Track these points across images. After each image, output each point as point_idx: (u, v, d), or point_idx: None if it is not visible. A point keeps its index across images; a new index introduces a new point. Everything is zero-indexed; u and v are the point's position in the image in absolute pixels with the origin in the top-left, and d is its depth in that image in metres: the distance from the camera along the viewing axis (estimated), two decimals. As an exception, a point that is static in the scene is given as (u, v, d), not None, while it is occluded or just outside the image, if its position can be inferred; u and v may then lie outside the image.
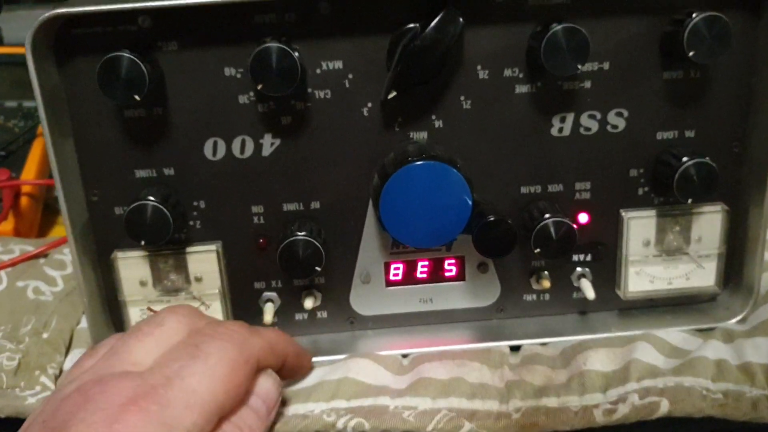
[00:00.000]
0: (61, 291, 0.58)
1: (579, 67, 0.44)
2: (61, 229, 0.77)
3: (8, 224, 0.70)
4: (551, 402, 0.45)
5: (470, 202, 0.46)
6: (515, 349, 0.51)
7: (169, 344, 0.39)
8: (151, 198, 0.46)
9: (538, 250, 0.48)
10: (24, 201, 0.72)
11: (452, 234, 0.47)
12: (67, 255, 0.63)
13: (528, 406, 0.44)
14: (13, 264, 0.61)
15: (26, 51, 0.43)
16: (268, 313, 0.51)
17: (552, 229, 0.47)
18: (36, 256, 0.63)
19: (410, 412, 0.44)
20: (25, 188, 0.72)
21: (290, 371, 0.46)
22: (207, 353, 0.38)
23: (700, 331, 0.51)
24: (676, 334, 0.50)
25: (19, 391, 0.49)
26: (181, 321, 0.41)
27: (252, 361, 0.40)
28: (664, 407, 0.43)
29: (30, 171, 0.74)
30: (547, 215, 0.48)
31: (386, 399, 0.45)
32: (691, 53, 0.45)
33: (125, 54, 0.43)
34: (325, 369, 0.49)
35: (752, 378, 0.44)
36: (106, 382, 0.36)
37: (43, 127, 0.45)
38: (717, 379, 0.44)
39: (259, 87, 0.44)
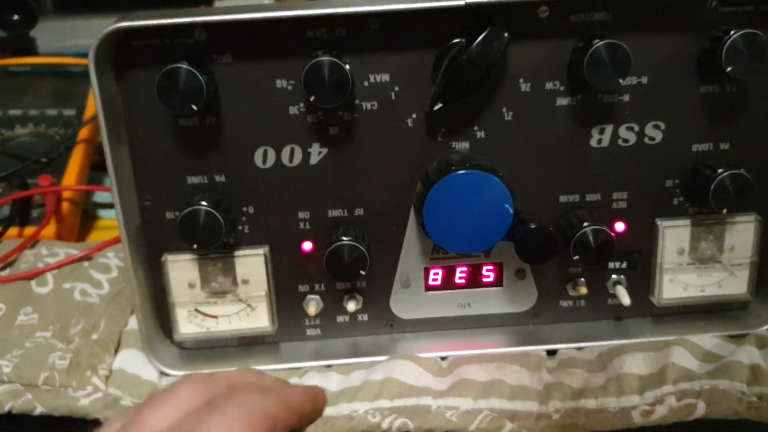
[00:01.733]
0: (108, 294, 0.60)
1: (621, 81, 0.46)
2: (99, 234, 0.79)
3: (50, 228, 0.72)
4: (590, 403, 0.46)
5: (511, 210, 0.47)
6: (551, 353, 0.53)
7: (186, 408, 0.39)
8: (204, 203, 0.47)
9: (577, 257, 0.49)
10: (65, 206, 0.74)
11: (493, 241, 0.48)
12: (110, 258, 0.64)
13: (567, 407, 0.46)
14: (59, 266, 0.63)
15: (89, 63, 0.45)
16: (312, 307, 0.53)
17: (591, 237, 0.49)
18: (81, 259, 0.65)
19: (453, 412, 0.46)
20: (66, 194, 0.74)
21: (308, 420, 0.46)
22: (223, 409, 0.38)
23: (732, 337, 0.53)
24: (709, 339, 0.52)
25: (71, 391, 0.50)
26: (197, 386, 0.40)
27: (269, 417, 0.40)
28: (700, 409, 0.44)
29: (71, 177, 0.76)
30: (586, 223, 0.49)
31: (429, 399, 0.47)
32: (729, 69, 0.46)
33: (183, 65, 0.45)
34: (368, 370, 0.50)
35: None
36: None
37: (102, 135, 0.47)
38: (752, 383, 0.46)
39: (312, 99, 0.45)
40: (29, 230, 0.71)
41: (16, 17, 0.96)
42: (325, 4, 0.46)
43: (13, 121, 0.79)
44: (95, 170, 0.81)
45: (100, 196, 0.83)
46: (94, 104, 0.81)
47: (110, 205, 0.81)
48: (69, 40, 1.17)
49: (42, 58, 0.89)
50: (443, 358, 0.52)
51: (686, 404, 0.44)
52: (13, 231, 0.71)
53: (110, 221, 0.80)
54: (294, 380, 0.51)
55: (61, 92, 0.83)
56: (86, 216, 0.81)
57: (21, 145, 0.78)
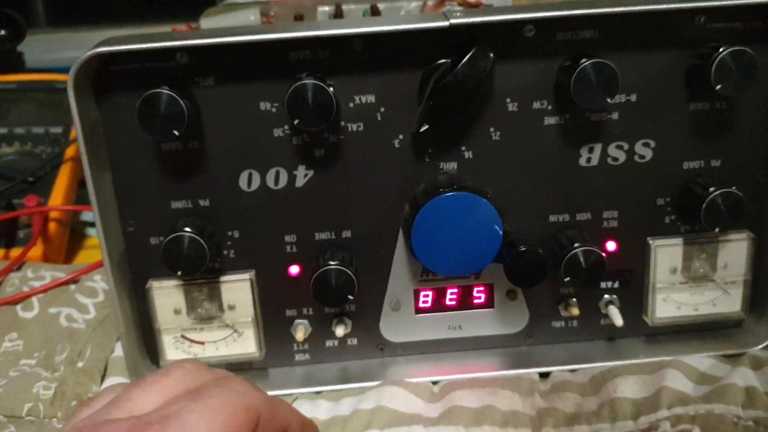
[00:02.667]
0: (94, 319, 0.59)
1: (608, 100, 0.45)
2: (88, 254, 0.79)
3: (37, 249, 0.71)
4: (583, 429, 0.45)
5: (501, 232, 0.46)
6: (544, 375, 0.52)
7: (172, 394, 0.38)
8: (188, 229, 0.47)
9: (568, 278, 0.49)
10: (52, 226, 0.73)
11: (483, 263, 0.47)
12: (97, 282, 0.64)
13: (560, 434, 0.45)
14: (44, 290, 0.63)
15: (68, 88, 0.44)
16: (300, 332, 0.52)
17: (582, 258, 0.48)
18: (67, 283, 0.64)
19: (444, 441, 0.45)
20: (53, 214, 0.73)
21: None
22: (208, 396, 0.36)
23: (727, 356, 0.52)
24: (703, 360, 0.51)
25: (56, 421, 0.49)
26: (187, 373, 0.39)
27: (253, 411, 0.38)
28: (695, 435, 0.43)
29: (57, 197, 0.75)
30: (576, 244, 0.48)
31: (420, 428, 0.46)
32: (718, 86, 0.45)
33: (164, 90, 0.44)
34: (357, 397, 0.50)
35: None
36: (101, 425, 0.34)
37: (83, 161, 0.46)
38: (747, 406, 0.45)
39: (296, 122, 0.45)
40: (15, 252, 0.70)
41: (2, 33, 0.95)
42: (308, 26, 0.46)
43: (0, 140, 0.79)
44: (83, 188, 0.80)
45: (88, 215, 0.82)
46: (80, 123, 0.81)
47: (98, 224, 0.80)
48: (58, 53, 1.16)
49: (28, 75, 0.88)
50: (434, 383, 0.52)
51: (681, 429, 0.43)
52: (-2, 253, 0.70)
53: (99, 240, 0.79)
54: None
55: (48, 109, 0.82)
56: (75, 234, 0.80)
57: (7, 164, 0.77)
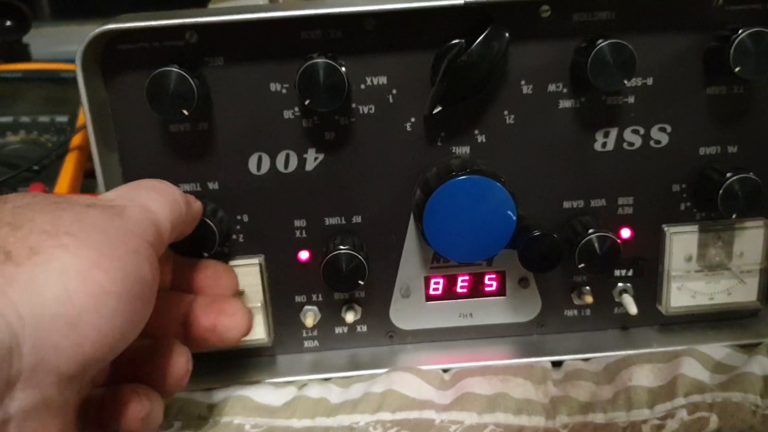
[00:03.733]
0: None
1: (626, 82, 0.44)
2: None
3: (42, 238, 0.70)
4: (598, 418, 0.45)
5: (514, 217, 0.45)
6: (557, 364, 0.51)
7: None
8: (197, 212, 0.46)
9: (583, 265, 0.48)
10: (57, 215, 0.72)
11: (496, 249, 0.46)
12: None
13: (575, 422, 0.44)
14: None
15: (76, 67, 0.44)
16: (309, 318, 0.51)
17: (596, 244, 0.47)
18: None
19: (457, 427, 0.44)
20: (58, 202, 0.73)
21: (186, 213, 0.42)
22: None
23: (742, 346, 0.51)
24: (719, 349, 0.50)
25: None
26: None
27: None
28: (713, 423, 0.42)
29: (63, 185, 0.74)
30: (591, 230, 0.48)
31: (432, 413, 0.45)
32: (737, 69, 0.45)
33: (174, 69, 0.43)
34: (368, 382, 0.49)
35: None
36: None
37: (91, 143, 0.46)
38: (765, 395, 0.44)
39: (307, 102, 0.44)
40: (20, 240, 0.69)
41: (9, 23, 0.94)
42: (319, 5, 0.45)
43: (5, 128, 0.78)
44: (88, 178, 0.80)
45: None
46: (86, 111, 0.80)
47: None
48: (63, 46, 1.15)
49: (34, 64, 0.87)
50: (445, 371, 0.51)
51: (698, 417, 0.42)
52: (3, 241, 0.69)
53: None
54: (293, 390, 0.50)
55: (54, 99, 0.82)
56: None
57: (12, 152, 0.76)
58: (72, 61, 0.87)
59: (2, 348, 0.27)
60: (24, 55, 0.97)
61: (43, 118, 0.80)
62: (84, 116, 0.78)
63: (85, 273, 0.30)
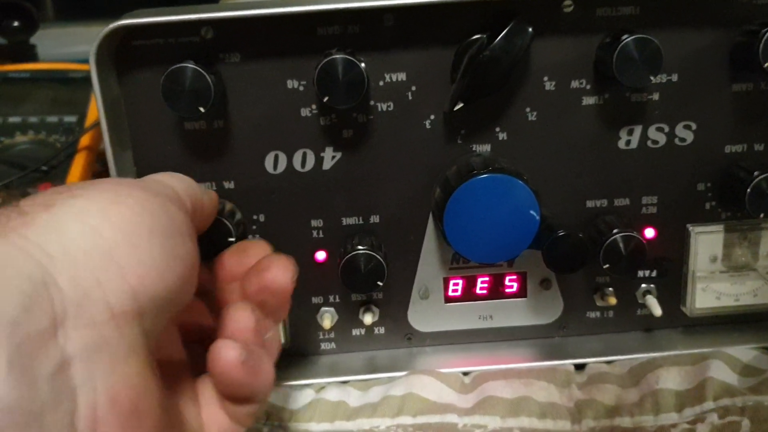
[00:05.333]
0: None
1: (652, 78, 0.43)
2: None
3: (51, 239, 0.69)
4: (625, 422, 0.43)
5: (537, 217, 0.44)
6: (579, 367, 0.50)
7: None
8: (213, 212, 0.45)
9: (607, 266, 0.47)
10: (66, 216, 0.71)
11: (518, 249, 0.45)
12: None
13: (602, 426, 0.43)
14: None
15: (90, 63, 0.43)
16: (327, 320, 0.50)
17: (621, 244, 0.46)
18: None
19: (480, 431, 0.43)
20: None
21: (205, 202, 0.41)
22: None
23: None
24: (745, 351, 0.49)
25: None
26: None
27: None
28: (745, 427, 0.41)
29: (72, 186, 0.73)
30: (615, 230, 0.46)
31: (454, 417, 0.44)
32: (766, 65, 0.43)
33: (190, 65, 0.42)
34: (387, 385, 0.48)
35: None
36: None
37: (105, 140, 0.45)
38: (797, 399, 0.43)
39: (325, 99, 0.43)
40: (29, 242, 0.68)
41: (16, 23, 0.94)
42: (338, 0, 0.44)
43: (13, 129, 0.77)
44: (97, 178, 0.79)
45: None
46: (95, 111, 0.79)
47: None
48: (69, 47, 1.15)
49: (42, 64, 0.86)
50: (465, 374, 0.50)
51: (730, 422, 0.41)
52: (12, 243, 0.68)
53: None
54: (311, 393, 0.48)
55: (62, 99, 0.81)
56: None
57: (21, 153, 0.75)
58: (79, 61, 0.86)
59: (36, 282, 0.26)
60: (31, 56, 0.96)
61: (52, 119, 0.79)
62: (93, 116, 0.78)
63: (105, 209, 0.30)
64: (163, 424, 0.31)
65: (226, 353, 0.35)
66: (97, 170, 0.79)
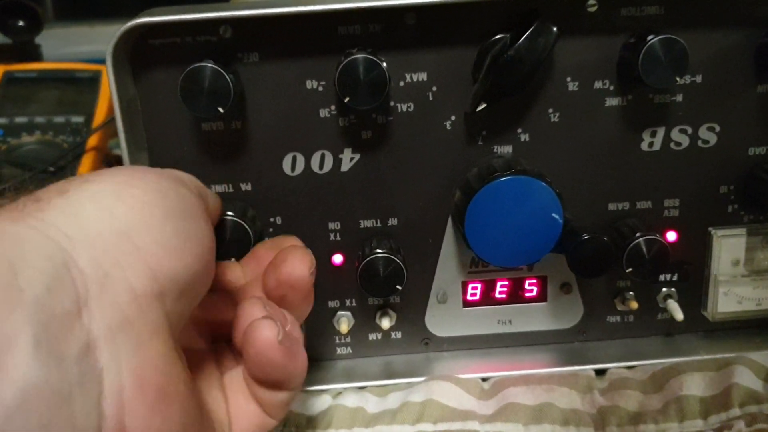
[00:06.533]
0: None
1: (678, 79, 0.43)
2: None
3: (59, 241, 0.68)
4: (649, 429, 0.43)
5: (561, 220, 0.44)
6: (599, 372, 0.49)
7: None
8: (231, 213, 0.44)
9: (630, 269, 0.46)
10: (74, 218, 0.71)
11: (541, 253, 0.45)
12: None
13: (626, 434, 0.42)
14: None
15: (107, 63, 0.42)
16: (344, 324, 0.49)
17: (645, 248, 0.45)
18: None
19: (503, 439, 0.42)
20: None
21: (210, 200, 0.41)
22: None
23: (791, 354, 0.49)
24: (769, 357, 0.48)
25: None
26: None
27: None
28: (773, 435, 0.40)
29: (79, 187, 0.72)
30: (638, 233, 0.46)
31: (475, 424, 0.43)
32: (793, 65, 0.43)
33: (209, 64, 0.41)
34: (405, 391, 0.47)
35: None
36: None
37: (120, 141, 0.44)
38: (825, 406, 0.42)
39: (347, 100, 0.42)
40: (37, 243, 0.67)
41: (21, 23, 0.93)
42: (358, -2, 0.43)
43: (20, 129, 0.76)
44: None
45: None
46: (103, 111, 0.78)
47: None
48: (73, 47, 1.14)
49: (49, 63, 0.86)
50: (484, 379, 0.49)
51: (758, 429, 0.40)
52: (19, 244, 0.67)
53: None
54: (328, 399, 0.48)
55: (69, 99, 0.80)
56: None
57: (28, 153, 0.74)
58: (83, 60, 0.85)
59: (56, 262, 0.26)
60: (36, 56, 0.95)
61: (59, 119, 0.78)
62: (101, 116, 0.77)
63: (118, 192, 0.30)
64: (192, 411, 0.30)
65: (264, 331, 0.35)
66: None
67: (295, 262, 0.39)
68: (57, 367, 0.24)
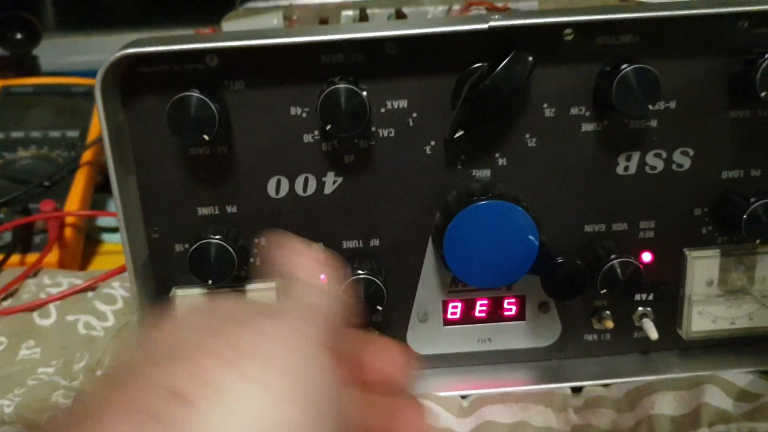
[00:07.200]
0: (113, 327, 0.58)
1: (650, 107, 0.44)
2: (103, 260, 0.77)
3: (53, 255, 0.70)
4: (621, 447, 0.44)
5: (537, 242, 0.45)
6: (576, 390, 0.50)
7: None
8: (215, 236, 0.45)
9: (605, 290, 0.47)
10: (68, 232, 0.72)
11: (517, 274, 0.46)
12: (116, 289, 0.62)
13: (598, 452, 0.43)
14: (62, 297, 0.61)
15: (96, 90, 0.43)
16: None
17: (619, 270, 0.47)
18: (85, 290, 0.62)
19: (479, 457, 0.43)
20: (69, 219, 0.72)
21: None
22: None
23: (764, 372, 0.50)
24: (742, 375, 0.49)
25: (76, 429, 0.48)
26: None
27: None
28: (739, 454, 0.42)
29: (74, 202, 0.74)
30: (613, 255, 0.47)
31: (452, 442, 0.45)
32: (763, 94, 0.44)
33: (195, 93, 0.43)
34: (386, 410, 0.48)
35: None
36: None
37: (109, 165, 0.45)
38: (792, 425, 0.43)
39: (328, 127, 0.43)
40: (31, 257, 0.69)
41: (19, 36, 0.94)
42: (341, 29, 0.44)
43: (16, 144, 0.78)
44: (98, 192, 0.80)
45: (103, 220, 0.81)
46: (98, 125, 0.80)
47: (114, 229, 0.79)
48: (70, 57, 1.15)
49: (45, 78, 0.87)
50: (463, 397, 0.50)
51: (724, 449, 0.42)
52: (14, 258, 0.69)
53: (114, 246, 0.78)
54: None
55: (65, 113, 0.81)
56: (89, 240, 0.79)
57: (23, 168, 0.76)
58: (81, 72, 0.87)
59: None
60: (33, 68, 0.96)
61: (54, 133, 0.79)
62: (96, 130, 0.78)
63: (273, 409, 0.25)
64: None
65: None
66: (99, 182, 0.80)
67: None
68: None
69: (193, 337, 0.26)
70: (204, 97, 0.42)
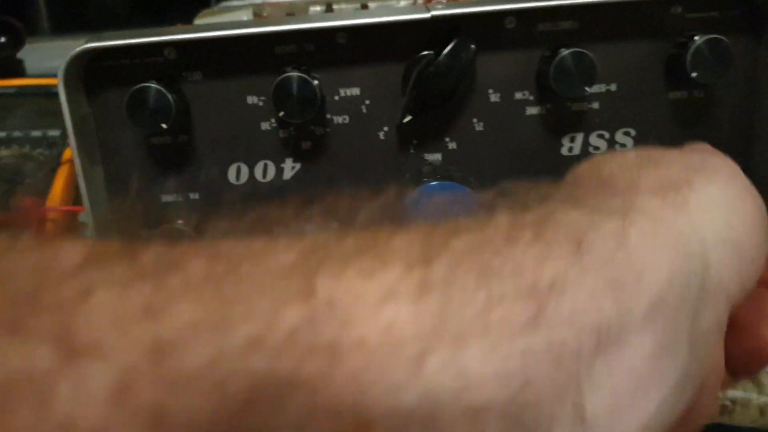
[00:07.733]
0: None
1: (587, 89, 0.46)
2: (85, 253, 0.79)
3: (35, 250, 0.72)
4: None
5: (484, 221, 0.47)
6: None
7: None
8: (179, 221, 0.48)
9: (551, 266, 0.49)
10: (49, 227, 0.74)
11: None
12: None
13: None
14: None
15: (59, 83, 0.46)
16: None
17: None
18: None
19: None
20: (51, 215, 0.74)
21: None
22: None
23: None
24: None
25: None
26: None
27: None
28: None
29: (55, 198, 0.76)
30: (559, 232, 0.49)
31: None
32: (694, 74, 0.46)
33: (152, 85, 0.45)
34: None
35: (760, 386, 0.45)
36: None
37: (74, 156, 0.48)
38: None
39: (281, 114, 0.46)
40: (13, 252, 0.71)
41: (2, 39, 0.96)
42: (293, 20, 0.47)
43: (-2, 144, 0.80)
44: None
45: (84, 215, 0.83)
46: (77, 125, 0.82)
47: (96, 225, 0.81)
48: (60, 59, 1.17)
49: (26, 79, 0.89)
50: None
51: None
52: (-4, 254, 0.71)
53: (96, 241, 0.80)
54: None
55: (46, 113, 0.83)
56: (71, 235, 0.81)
57: (4, 167, 0.78)
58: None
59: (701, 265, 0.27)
60: (18, 71, 0.99)
61: (36, 133, 0.81)
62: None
63: (733, 202, 0.31)
64: None
65: None
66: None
67: None
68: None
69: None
70: (161, 88, 0.45)
